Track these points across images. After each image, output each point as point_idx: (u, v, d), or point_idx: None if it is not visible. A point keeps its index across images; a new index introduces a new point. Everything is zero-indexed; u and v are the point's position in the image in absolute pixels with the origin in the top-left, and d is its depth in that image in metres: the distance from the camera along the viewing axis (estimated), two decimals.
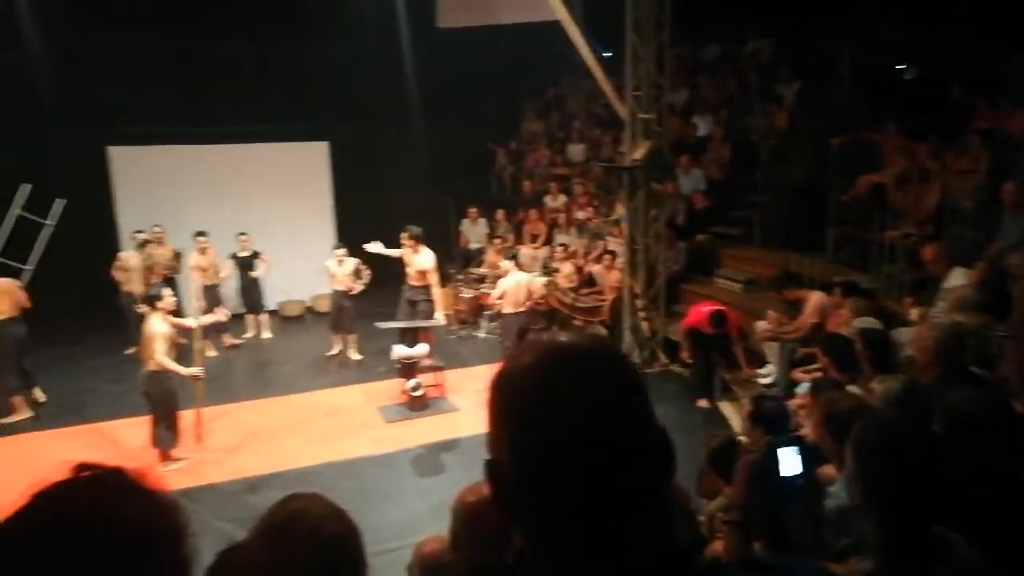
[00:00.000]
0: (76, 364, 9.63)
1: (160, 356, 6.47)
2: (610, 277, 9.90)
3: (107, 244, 10.65)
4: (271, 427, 7.72)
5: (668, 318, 9.00)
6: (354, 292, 9.63)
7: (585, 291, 10.19)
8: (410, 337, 8.07)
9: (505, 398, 0.85)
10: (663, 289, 8.93)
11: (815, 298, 6.99)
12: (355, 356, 9.83)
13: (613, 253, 10.04)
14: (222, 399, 8.43)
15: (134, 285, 9.77)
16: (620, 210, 9.90)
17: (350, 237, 11.23)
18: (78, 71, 10.55)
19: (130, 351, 9.40)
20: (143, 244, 10.07)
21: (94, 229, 9.94)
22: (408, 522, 5.62)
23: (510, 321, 8.85)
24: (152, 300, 6.76)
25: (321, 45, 11.60)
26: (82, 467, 0.91)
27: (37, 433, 7.62)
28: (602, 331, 9.49)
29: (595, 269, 10.37)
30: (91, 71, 10.54)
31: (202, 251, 10.15)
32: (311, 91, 11.58)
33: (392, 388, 8.40)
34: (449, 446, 7.14)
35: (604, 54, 10.57)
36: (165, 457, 6.70)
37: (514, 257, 9.89)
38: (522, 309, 8.86)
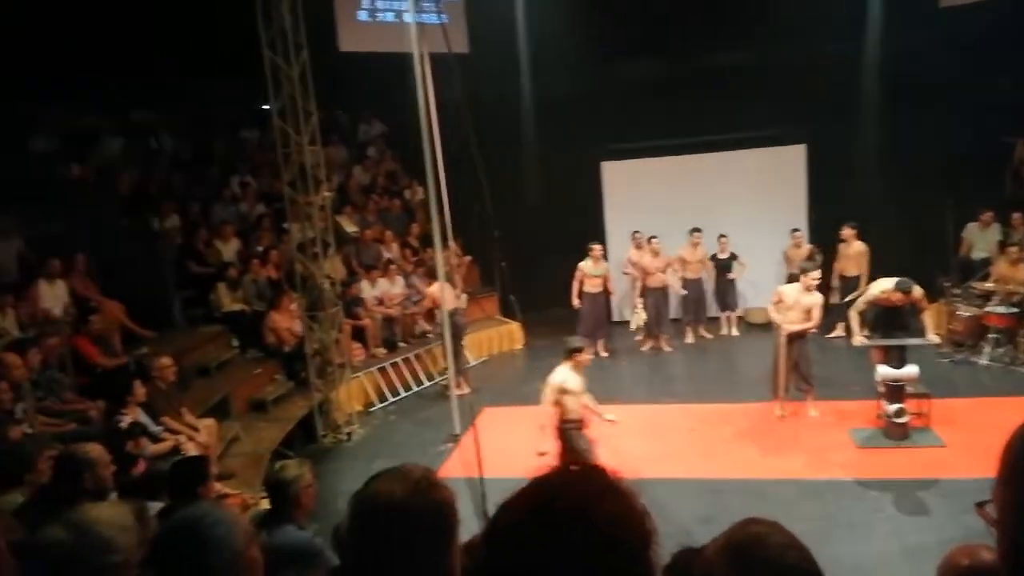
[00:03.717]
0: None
1: (771, 313, 8.00)
2: None
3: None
4: (732, 432, 7.77)
5: None
6: None
7: None
8: (896, 357, 7.22)
9: None
10: None
11: None
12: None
13: None
14: (691, 398, 8.83)
15: (654, 280, 10.80)
16: None
17: (823, 240, 10.79)
18: (580, 98, 12.10)
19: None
20: (649, 239, 10.93)
21: (589, 235, 11.30)
22: (875, 560, 5.12)
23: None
24: (805, 270, 8.14)
25: (799, 47, 11.22)
26: (572, 461, 1.02)
27: None
28: None
29: None
30: (590, 97, 12.03)
31: (694, 245, 11.08)
32: (788, 95, 11.27)
33: (865, 410, 7.68)
34: (930, 485, 6.24)
35: None
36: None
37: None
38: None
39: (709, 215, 11.40)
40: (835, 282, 10.58)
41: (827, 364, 9.59)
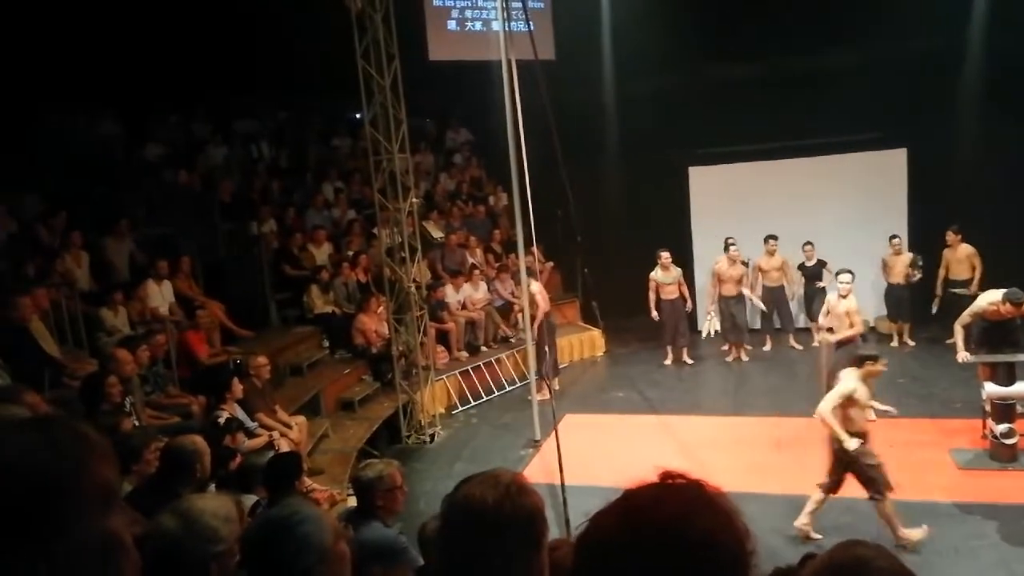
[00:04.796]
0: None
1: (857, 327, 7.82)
2: None
3: (683, 253, 11.74)
4: (821, 447, 7.45)
5: None
6: (913, 281, 10.31)
7: None
8: (1005, 374, 6.78)
9: None
10: None
11: None
12: (910, 341, 10.59)
13: None
14: (777, 410, 8.55)
15: (728, 288, 10.61)
16: None
17: (926, 246, 10.31)
18: (666, 102, 11.92)
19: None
20: (727, 246, 10.71)
21: (673, 241, 11.12)
22: None
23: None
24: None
25: (898, 46, 10.73)
26: (668, 475, 0.98)
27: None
28: None
29: None
30: (676, 101, 11.84)
31: (771, 253, 10.77)
32: (887, 97, 10.80)
33: (969, 429, 7.26)
34: None
35: None
36: None
37: None
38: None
39: (802, 222, 11.04)
40: (938, 290, 10.27)
41: (928, 379, 9.13)
